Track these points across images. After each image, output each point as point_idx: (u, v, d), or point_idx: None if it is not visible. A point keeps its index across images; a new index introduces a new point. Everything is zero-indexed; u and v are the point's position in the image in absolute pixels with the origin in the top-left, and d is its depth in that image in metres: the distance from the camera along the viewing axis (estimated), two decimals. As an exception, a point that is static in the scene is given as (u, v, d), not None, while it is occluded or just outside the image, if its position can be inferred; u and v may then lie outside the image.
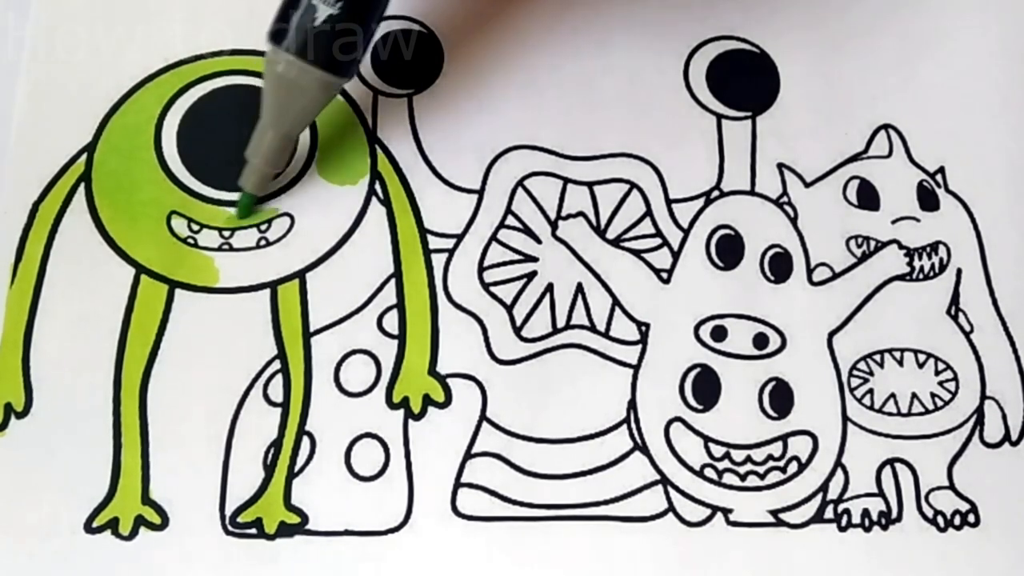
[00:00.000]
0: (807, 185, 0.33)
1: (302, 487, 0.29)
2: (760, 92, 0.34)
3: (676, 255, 0.32)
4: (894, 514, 0.30)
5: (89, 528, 0.28)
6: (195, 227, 0.31)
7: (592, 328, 0.31)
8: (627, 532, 0.29)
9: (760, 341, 0.31)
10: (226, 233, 0.31)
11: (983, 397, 0.31)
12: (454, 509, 0.29)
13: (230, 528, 0.28)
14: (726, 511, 0.29)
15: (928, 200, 0.33)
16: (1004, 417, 0.31)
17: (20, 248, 0.30)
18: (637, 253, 0.32)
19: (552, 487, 0.29)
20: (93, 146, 0.31)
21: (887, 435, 0.30)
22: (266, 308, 0.30)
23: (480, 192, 0.32)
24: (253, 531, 0.28)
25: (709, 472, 0.30)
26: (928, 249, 0.32)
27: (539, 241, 0.31)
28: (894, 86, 0.34)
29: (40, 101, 0.32)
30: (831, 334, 0.31)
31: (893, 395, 0.31)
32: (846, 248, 0.32)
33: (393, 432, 0.29)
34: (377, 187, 0.31)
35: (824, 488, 0.30)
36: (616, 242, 0.32)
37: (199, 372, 0.29)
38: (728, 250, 0.32)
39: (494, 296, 0.31)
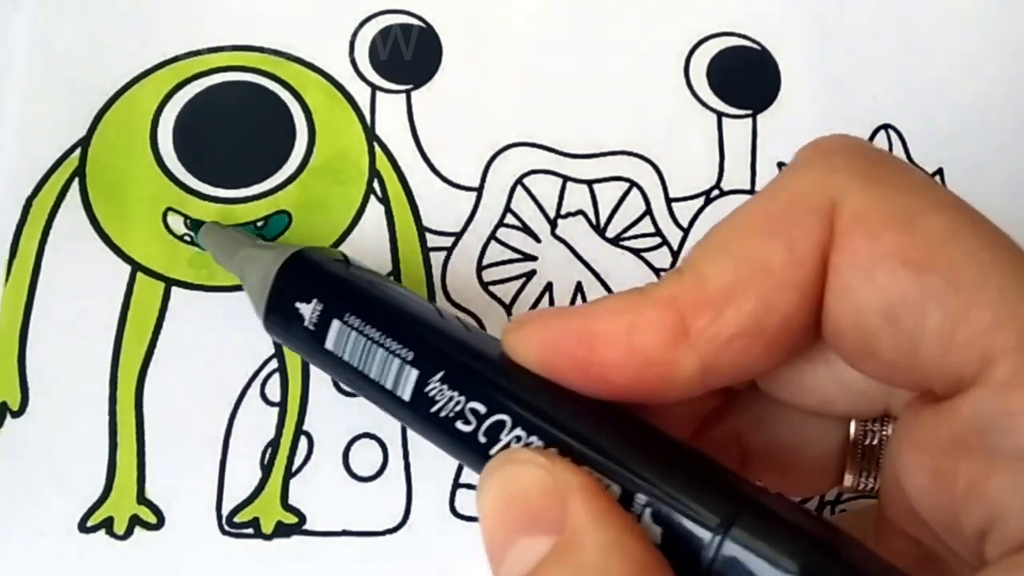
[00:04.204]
0: (807, 185, 0.33)
1: (299, 487, 0.29)
2: (761, 90, 0.34)
3: (676, 254, 0.32)
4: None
5: (83, 527, 0.28)
6: (191, 224, 0.30)
7: (591, 328, 0.31)
8: (626, 533, 0.29)
9: (759, 341, 0.31)
10: (223, 230, 0.30)
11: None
12: (453, 510, 0.29)
13: (226, 528, 0.28)
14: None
15: (928, 201, 0.33)
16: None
17: (14, 244, 0.30)
18: (637, 252, 0.31)
19: (551, 487, 0.29)
20: (87, 140, 0.31)
21: (886, 437, 0.30)
22: (263, 306, 0.30)
23: (479, 190, 0.32)
24: (250, 531, 0.28)
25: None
26: (927, 249, 0.32)
27: (538, 240, 0.31)
28: (894, 86, 0.34)
29: (34, 95, 0.31)
30: (830, 335, 0.31)
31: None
32: (846, 248, 0.32)
33: (391, 432, 0.29)
34: (375, 185, 0.31)
35: (823, 489, 0.30)
36: (616, 241, 0.31)
37: (196, 371, 0.29)
38: (728, 250, 0.31)
39: (493, 295, 0.31)
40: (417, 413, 0.22)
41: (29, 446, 0.28)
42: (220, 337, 0.30)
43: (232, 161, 0.31)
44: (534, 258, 0.31)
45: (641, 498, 0.19)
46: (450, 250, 0.31)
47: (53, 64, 0.31)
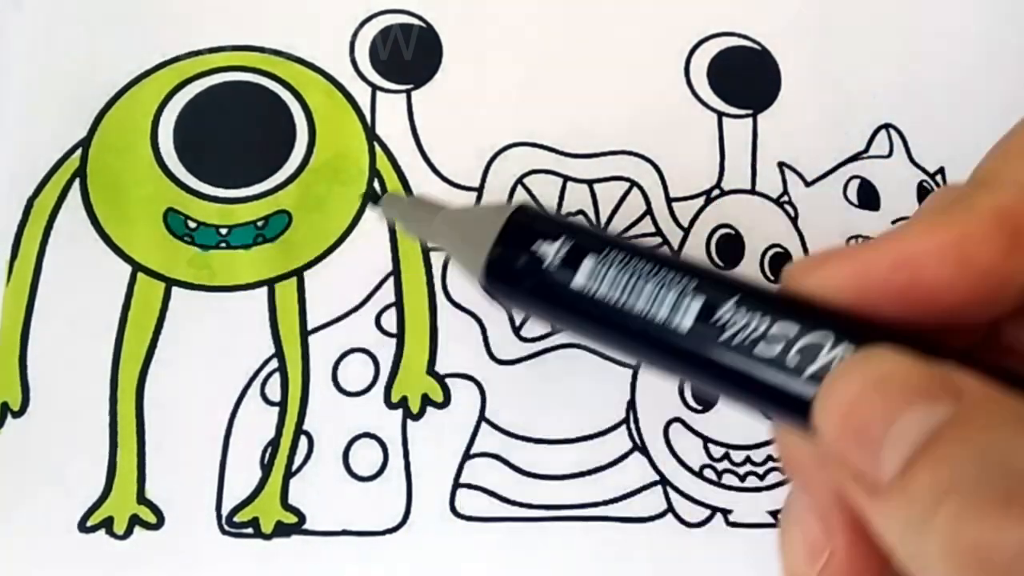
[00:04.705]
0: (808, 184, 0.33)
1: (299, 486, 0.29)
2: (761, 90, 0.34)
3: (677, 254, 0.31)
4: (893, 515, 0.30)
5: (83, 527, 0.28)
6: (192, 224, 0.30)
7: (592, 328, 0.31)
8: (626, 532, 0.29)
9: (760, 341, 0.31)
10: (223, 231, 0.30)
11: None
12: (453, 509, 0.29)
13: (226, 528, 0.28)
14: (726, 511, 0.29)
15: (929, 200, 0.33)
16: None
17: (16, 245, 0.30)
18: (637, 252, 0.31)
19: (551, 487, 0.29)
20: (88, 141, 0.31)
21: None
22: (263, 306, 0.30)
23: (479, 190, 0.32)
24: (249, 531, 0.28)
25: (708, 473, 0.30)
26: (928, 249, 0.32)
27: (538, 240, 0.31)
28: (895, 85, 0.34)
29: (35, 95, 0.31)
30: (831, 334, 0.31)
31: (893, 396, 0.30)
32: (846, 248, 0.32)
33: (392, 432, 0.29)
34: (376, 185, 0.31)
35: (823, 489, 0.30)
36: (616, 241, 0.31)
37: (196, 371, 0.29)
38: (728, 250, 0.32)
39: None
40: (696, 344, 0.20)
41: (30, 446, 0.28)
42: (220, 337, 0.30)
43: (232, 161, 0.31)
44: (534, 258, 0.31)
45: None
46: (450, 250, 0.31)
47: (54, 65, 0.32)
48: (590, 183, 0.32)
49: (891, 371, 0.17)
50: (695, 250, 0.31)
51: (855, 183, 0.33)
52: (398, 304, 0.30)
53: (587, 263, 0.22)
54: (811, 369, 0.19)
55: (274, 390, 0.29)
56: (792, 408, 0.19)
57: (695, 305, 0.20)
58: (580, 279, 0.22)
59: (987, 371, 0.18)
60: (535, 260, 0.23)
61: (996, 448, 0.16)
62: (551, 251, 0.22)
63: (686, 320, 0.20)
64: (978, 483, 0.15)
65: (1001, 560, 0.15)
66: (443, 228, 0.26)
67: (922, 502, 0.16)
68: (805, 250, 0.32)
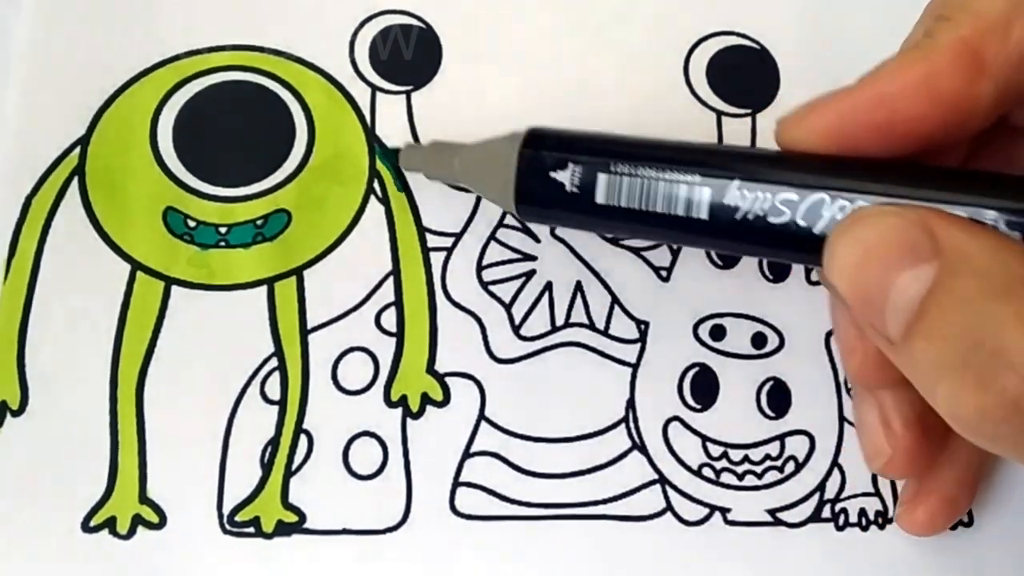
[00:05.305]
0: (806, 184, 0.33)
1: (300, 486, 0.29)
2: (760, 89, 0.34)
3: (675, 253, 0.32)
4: (890, 513, 0.30)
5: (86, 527, 0.28)
6: (191, 223, 0.30)
7: (591, 326, 0.31)
8: (625, 531, 0.29)
9: (758, 340, 0.31)
10: (222, 229, 0.30)
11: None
12: (452, 508, 0.29)
13: (227, 527, 0.28)
14: (724, 510, 0.29)
15: (926, 200, 0.33)
16: (998, 415, 0.31)
17: (13, 243, 0.30)
18: (636, 251, 0.31)
19: (550, 486, 0.29)
20: (87, 139, 0.31)
21: (884, 436, 0.30)
22: (263, 305, 0.30)
23: (479, 189, 0.32)
24: (251, 530, 0.28)
25: (707, 471, 0.30)
26: (925, 248, 0.32)
27: (538, 240, 0.31)
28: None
29: (34, 93, 0.31)
30: (828, 334, 0.31)
31: (890, 396, 0.31)
32: (844, 247, 0.32)
33: (391, 431, 0.29)
34: (375, 185, 0.31)
35: (821, 488, 0.30)
36: (615, 240, 0.32)
37: (196, 370, 0.29)
38: (727, 249, 0.32)
39: (493, 295, 0.31)
40: (718, 227, 0.23)
41: (30, 445, 0.28)
42: (220, 336, 0.30)
43: (232, 160, 0.31)
44: (534, 258, 0.31)
45: (990, 214, 0.20)
46: (450, 250, 0.31)
47: (53, 62, 0.31)
48: (589, 182, 0.32)
49: (879, 238, 0.20)
50: (694, 254, 0.32)
51: (853, 182, 0.33)
52: (398, 303, 0.30)
53: (601, 182, 0.24)
54: (820, 224, 0.22)
55: (274, 389, 0.29)
56: (809, 255, 0.22)
57: (705, 195, 0.23)
58: (600, 196, 0.24)
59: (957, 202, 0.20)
60: (557, 185, 0.25)
61: (972, 328, 0.18)
62: (566, 177, 0.25)
63: (702, 210, 0.23)
64: (961, 366, 0.18)
65: (985, 430, 0.18)
66: (465, 169, 0.28)
67: (925, 375, 0.19)
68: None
